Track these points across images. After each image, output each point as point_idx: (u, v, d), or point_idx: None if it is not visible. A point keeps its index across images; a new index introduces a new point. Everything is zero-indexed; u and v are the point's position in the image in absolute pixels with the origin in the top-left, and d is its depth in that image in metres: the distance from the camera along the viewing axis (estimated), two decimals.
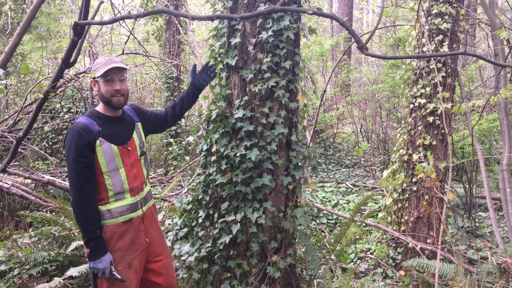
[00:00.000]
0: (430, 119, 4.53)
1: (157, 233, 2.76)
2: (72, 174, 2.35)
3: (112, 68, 2.42)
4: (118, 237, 2.48)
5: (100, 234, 2.41)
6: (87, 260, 2.45)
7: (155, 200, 5.66)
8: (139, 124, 2.72)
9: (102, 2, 4.38)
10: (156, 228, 2.76)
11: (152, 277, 2.69)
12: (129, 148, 2.55)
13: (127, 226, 2.51)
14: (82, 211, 2.36)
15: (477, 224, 5.78)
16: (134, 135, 2.63)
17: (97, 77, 2.45)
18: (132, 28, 6.14)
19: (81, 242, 4.01)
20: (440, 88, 4.17)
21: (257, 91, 3.13)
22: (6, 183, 5.59)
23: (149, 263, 2.68)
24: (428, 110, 4.55)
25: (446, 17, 4.47)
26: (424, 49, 4.59)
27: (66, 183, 5.97)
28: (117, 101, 2.49)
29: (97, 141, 2.40)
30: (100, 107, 2.56)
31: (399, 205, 4.79)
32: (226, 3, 3.28)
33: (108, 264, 2.39)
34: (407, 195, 4.70)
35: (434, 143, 4.55)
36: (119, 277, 2.42)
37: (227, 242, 3.14)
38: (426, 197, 4.56)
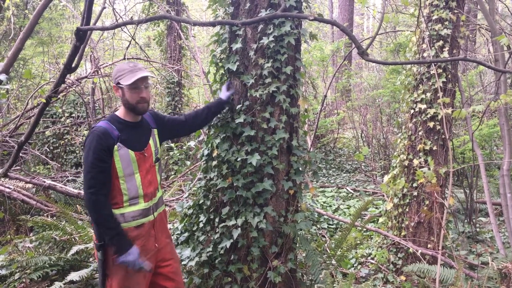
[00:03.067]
0: (431, 124, 4.54)
1: (167, 239, 2.79)
2: (88, 177, 2.40)
3: (140, 77, 2.47)
4: None
5: (121, 229, 2.44)
6: (114, 257, 2.44)
7: None
8: (155, 131, 2.76)
9: (104, 8, 4.41)
10: (166, 234, 2.80)
11: (161, 281, 2.71)
12: (145, 154, 2.59)
13: (138, 231, 2.54)
14: (98, 213, 2.40)
15: (477, 229, 5.78)
16: (151, 141, 2.67)
17: (124, 85, 2.48)
18: (134, 34, 6.17)
19: (82, 247, 4.02)
20: (440, 94, 4.19)
21: (258, 96, 3.15)
22: (8, 187, 5.60)
23: (159, 268, 2.70)
24: (428, 116, 4.56)
25: (447, 23, 4.49)
26: (425, 54, 4.61)
27: (67, 188, 5.98)
28: (142, 107, 2.54)
29: (115, 146, 2.44)
30: (120, 112, 2.60)
31: (400, 210, 4.79)
32: (227, 9, 3.30)
33: (137, 256, 2.43)
34: (407, 200, 4.70)
35: (434, 148, 4.56)
36: (148, 268, 2.49)
37: (228, 246, 3.15)
38: (427, 202, 4.56)
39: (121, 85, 2.50)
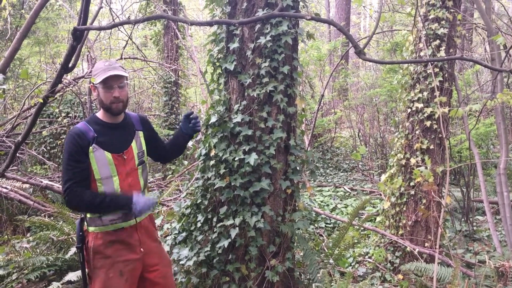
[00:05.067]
0: (428, 123, 4.55)
1: (153, 243, 2.70)
2: (65, 179, 2.37)
3: (112, 75, 2.42)
4: (108, 245, 2.46)
5: (108, 196, 2.40)
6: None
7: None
8: (140, 133, 2.69)
9: (101, 8, 4.40)
10: (153, 239, 2.71)
11: (148, 286, 2.64)
12: (125, 156, 2.52)
13: (117, 234, 2.49)
14: (82, 202, 2.36)
15: (474, 227, 5.80)
16: (133, 144, 2.60)
17: (96, 83, 2.45)
18: (131, 33, 6.16)
19: None
20: (437, 93, 4.20)
21: (255, 95, 3.15)
22: (5, 187, 5.58)
23: (146, 273, 2.63)
24: (425, 115, 4.57)
25: (443, 22, 4.50)
26: (421, 54, 4.62)
27: None
28: (116, 107, 2.48)
29: (90, 148, 2.40)
30: (100, 113, 2.56)
31: (397, 209, 4.80)
32: (224, 8, 3.30)
33: (142, 200, 2.42)
34: (405, 199, 4.71)
35: (431, 147, 4.57)
36: (156, 201, 2.51)
37: (225, 246, 3.15)
38: (424, 201, 4.57)
39: (95, 84, 2.47)
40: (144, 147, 2.70)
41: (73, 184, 2.35)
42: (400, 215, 4.76)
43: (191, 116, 2.90)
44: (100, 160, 2.42)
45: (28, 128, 3.81)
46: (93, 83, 2.48)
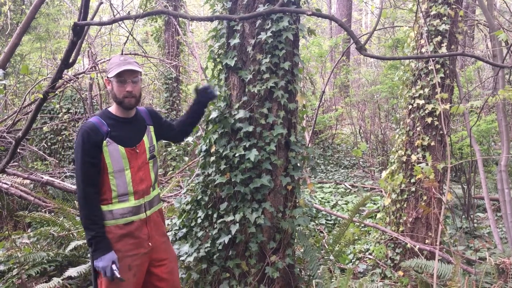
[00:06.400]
0: (429, 120, 4.54)
1: (162, 238, 2.73)
2: (79, 173, 2.42)
3: (125, 69, 2.46)
4: (118, 238, 2.49)
5: (102, 233, 2.43)
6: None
7: None
8: (151, 127, 2.74)
9: (101, 3, 4.39)
10: (161, 233, 2.74)
11: (155, 281, 2.67)
12: (137, 150, 2.57)
13: (128, 228, 2.52)
14: (86, 209, 2.42)
15: (475, 224, 5.79)
16: (145, 138, 2.65)
17: (111, 77, 2.49)
18: (131, 29, 6.14)
19: (80, 242, 4.02)
20: (438, 89, 4.18)
21: (256, 91, 3.14)
22: (5, 183, 5.59)
23: (152, 267, 2.66)
24: (426, 111, 4.56)
25: (445, 18, 4.48)
26: (423, 50, 4.60)
27: (65, 184, 5.98)
28: (128, 102, 2.52)
29: (104, 142, 2.44)
30: (112, 108, 2.60)
31: (398, 205, 4.80)
32: (225, 4, 3.29)
33: (108, 263, 2.39)
34: (405, 196, 4.71)
35: (432, 144, 4.56)
36: (118, 276, 2.41)
37: (226, 242, 3.15)
38: (425, 197, 4.57)
39: (110, 78, 2.51)
40: (154, 142, 2.75)
41: (89, 187, 2.42)
42: (401, 212, 4.76)
43: (203, 88, 3.04)
44: (114, 154, 2.47)
45: (28, 124, 3.82)
46: (107, 77, 2.52)
